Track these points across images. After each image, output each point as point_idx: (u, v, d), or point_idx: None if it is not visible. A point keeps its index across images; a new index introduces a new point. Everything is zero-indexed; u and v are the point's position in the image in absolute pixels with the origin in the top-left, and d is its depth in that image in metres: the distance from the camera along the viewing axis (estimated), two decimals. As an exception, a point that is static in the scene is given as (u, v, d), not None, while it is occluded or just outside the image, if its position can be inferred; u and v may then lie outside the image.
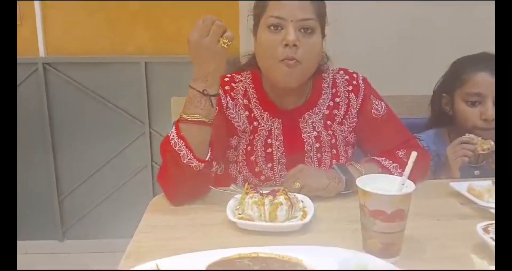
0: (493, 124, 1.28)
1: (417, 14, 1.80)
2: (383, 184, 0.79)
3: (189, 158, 0.94)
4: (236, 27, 1.72)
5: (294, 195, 0.93)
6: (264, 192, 0.92)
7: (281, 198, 0.87)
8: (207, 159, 0.97)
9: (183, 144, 0.95)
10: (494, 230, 0.77)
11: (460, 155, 1.23)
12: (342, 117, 1.20)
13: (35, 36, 2.14)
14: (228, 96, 1.16)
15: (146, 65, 2.20)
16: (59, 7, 2.13)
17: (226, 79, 1.18)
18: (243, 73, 1.21)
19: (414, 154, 0.76)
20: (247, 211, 0.88)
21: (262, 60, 1.11)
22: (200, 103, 0.96)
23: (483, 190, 1.01)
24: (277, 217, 0.86)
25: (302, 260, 0.70)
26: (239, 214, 0.89)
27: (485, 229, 0.78)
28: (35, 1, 2.11)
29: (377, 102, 1.19)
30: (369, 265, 0.68)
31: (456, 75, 1.38)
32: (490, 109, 1.28)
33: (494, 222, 0.80)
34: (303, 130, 1.17)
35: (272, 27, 1.05)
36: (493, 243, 0.74)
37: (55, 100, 2.22)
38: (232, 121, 1.16)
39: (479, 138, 1.24)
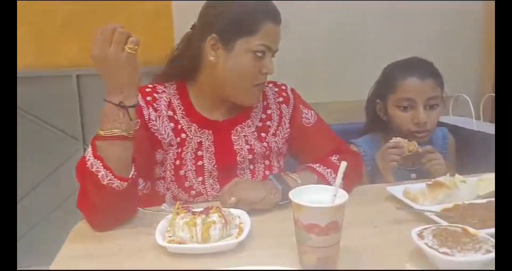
0: (425, 127, 1.32)
1: (347, 21, 1.84)
2: (317, 196, 0.76)
3: (109, 178, 0.87)
4: (170, 29, 1.67)
5: (230, 211, 0.89)
6: (197, 210, 0.87)
7: (214, 216, 0.83)
8: (130, 176, 0.90)
9: (100, 164, 0.87)
10: (428, 235, 0.77)
11: (389, 160, 1.25)
12: (275, 129, 1.20)
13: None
14: (151, 108, 1.09)
15: (78, 78, 2.08)
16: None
17: (147, 90, 1.12)
18: (166, 84, 1.15)
19: (343, 164, 0.74)
20: (178, 233, 0.82)
21: (234, 82, 1.08)
22: (118, 117, 0.88)
23: (418, 193, 1.02)
24: (210, 237, 0.81)
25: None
26: (170, 237, 0.83)
27: (420, 235, 0.78)
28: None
29: (306, 111, 1.22)
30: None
31: (387, 81, 1.41)
32: (421, 113, 1.31)
33: (428, 226, 0.80)
34: (235, 143, 1.14)
35: (258, 54, 1.05)
36: (427, 248, 0.73)
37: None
38: (156, 133, 1.09)
39: (405, 140, 1.25)
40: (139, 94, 1.05)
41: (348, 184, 1.06)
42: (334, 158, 1.13)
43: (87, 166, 0.87)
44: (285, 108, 1.22)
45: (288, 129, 1.21)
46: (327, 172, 1.08)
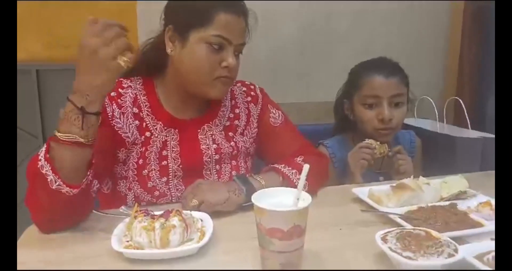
0: (390, 125, 1.34)
1: (316, 22, 1.84)
2: (280, 199, 0.74)
3: (57, 184, 0.80)
4: (134, 28, 1.62)
5: (191, 214, 0.86)
6: (156, 213, 0.83)
7: (174, 220, 0.79)
8: (83, 182, 0.84)
9: (50, 167, 0.80)
10: (392, 238, 0.76)
11: (359, 158, 1.26)
12: (243, 128, 1.18)
13: None
14: (114, 104, 1.04)
15: (38, 73, 1.99)
16: None
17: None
18: (132, 79, 1.10)
19: (306, 167, 0.72)
20: (135, 237, 0.78)
21: (191, 75, 1.03)
22: (77, 121, 0.80)
23: (383, 195, 1.02)
24: (169, 242, 0.77)
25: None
26: (127, 242, 0.79)
27: (384, 238, 0.77)
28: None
29: (274, 111, 1.22)
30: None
31: (353, 80, 1.43)
32: (385, 110, 1.33)
33: (392, 229, 0.80)
34: (201, 142, 1.11)
35: (215, 46, 1.00)
36: (391, 252, 0.72)
37: None
38: (119, 131, 1.04)
39: (378, 142, 1.28)
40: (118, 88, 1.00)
41: (313, 186, 1.06)
42: (299, 159, 1.12)
43: (38, 166, 0.81)
44: (254, 108, 1.21)
45: (256, 129, 1.20)
46: (292, 173, 1.06)
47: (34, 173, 0.82)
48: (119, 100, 1.05)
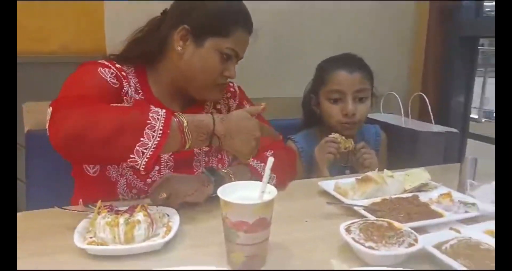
0: (353, 119, 1.38)
1: (285, 18, 1.84)
2: (247, 192, 0.74)
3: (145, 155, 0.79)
4: (101, 27, 1.58)
5: (157, 209, 0.85)
6: (121, 209, 0.82)
7: (139, 215, 0.78)
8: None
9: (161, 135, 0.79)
10: (355, 229, 0.78)
11: (325, 152, 1.29)
12: None
13: None
14: (126, 84, 1.04)
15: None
16: None
17: (118, 65, 1.05)
18: (124, 67, 1.08)
19: (270, 160, 0.73)
20: (99, 234, 0.76)
21: (197, 77, 1.07)
22: (201, 138, 0.86)
23: (348, 188, 1.04)
24: (134, 237, 0.76)
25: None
26: (91, 238, 0.78)
27: (347, 229, 0.79)
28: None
29: (248, 106, 1.25)
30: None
31: (319, 76, 1.46)
32: (349, 105, 1.37)
33: (356, 221, 0.81)
34: None
35: (225, 56, 1.05)
36: (354, 243, 0.74)
37: None
38: None
39: (343, 137, 1.30)
40: (114, 68, 1.02)
41: (282, 179, 1.08)
42: (268, 153, 1.14)
43: (149, 117, 0.80)
44: (233, 103, 1.25)
45: None
46: (260, 166, 1.07)
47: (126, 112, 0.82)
48: (125, 82, 1.05)
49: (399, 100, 1.66)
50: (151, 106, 0.84)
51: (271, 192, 0.73)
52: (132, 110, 0.86)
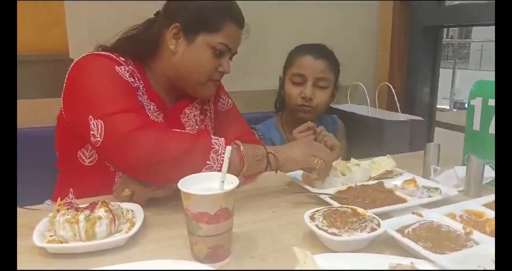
0: (310, 103, 1.45)
1: (253, 13, 1.84)
2: (210, 184, 0.74)
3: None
4: (63, 24, 1.55)
5: (119, 205, 0.83)
6: (81, 206, 0.80)
7: (100, 212, 0.76)
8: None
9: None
10: (319, 217, 0.78)
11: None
12: (211, 112, 1.25)
13: None
14: (136, 79, 1.04)
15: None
16: None
17: (122, 58, 1.04)
18: (122, 60, 1.05)
19: (228, 149, 0.73)
20: (58, 231, 0.74)
21: (190, 74, 1.08)
22: (260, 164, 0.94)
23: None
24: (95, 234, 0.75)
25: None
26: (51, 236, 0.76)
27: (312, 217, 0.79)
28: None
29: (224, 97, 1.29)
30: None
31: (288, 60, 1.52)
32: (308, 89, 1.44)
33: (320, 208, 0.82)
34: (185, 124, 1.15)
35: (217, 51, 1.06)
36: (317, 230, 0.74)
37: None
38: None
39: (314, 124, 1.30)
40: (125, 63, 1.02)
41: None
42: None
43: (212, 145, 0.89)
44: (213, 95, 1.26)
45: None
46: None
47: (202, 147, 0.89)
48: (136, 78, 1.04)
49: (365, 90, 1.68)
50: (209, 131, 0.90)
51: (233, 182, 0.72)
52: (197, 137, 0.91)
